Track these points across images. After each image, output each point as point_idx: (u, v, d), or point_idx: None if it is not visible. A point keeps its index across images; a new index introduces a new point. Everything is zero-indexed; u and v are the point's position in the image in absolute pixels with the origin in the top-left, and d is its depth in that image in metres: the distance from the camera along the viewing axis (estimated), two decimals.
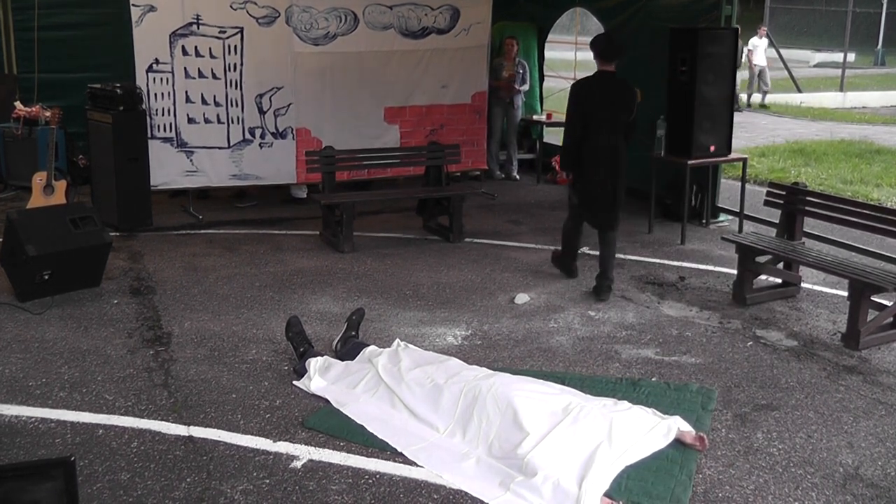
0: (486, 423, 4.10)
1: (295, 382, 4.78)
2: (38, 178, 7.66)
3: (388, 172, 9.14)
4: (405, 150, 8.94)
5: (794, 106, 19.23)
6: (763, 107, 19.07)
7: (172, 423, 4.34)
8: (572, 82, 7.28)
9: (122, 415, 4.42)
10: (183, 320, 5.77)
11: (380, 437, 4.17)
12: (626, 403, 4.34)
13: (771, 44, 19.70)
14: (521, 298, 6.27)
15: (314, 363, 4.82)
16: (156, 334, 5.54)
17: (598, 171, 6.34)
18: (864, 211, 6.05)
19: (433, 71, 9.31)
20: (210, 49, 8.30)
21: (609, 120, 6.32)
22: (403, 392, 4.48)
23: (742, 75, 17.81)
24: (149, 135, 8.09)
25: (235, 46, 8.39)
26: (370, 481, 3.83)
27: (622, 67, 10.07)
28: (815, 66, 26.23)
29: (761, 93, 19.44)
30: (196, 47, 8.25)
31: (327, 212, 7.70)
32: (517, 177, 10.69)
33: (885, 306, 5.61)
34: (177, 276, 6.72)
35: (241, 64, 8.44)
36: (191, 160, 8.45)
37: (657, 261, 7.32)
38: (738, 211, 8.36)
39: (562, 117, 11.53)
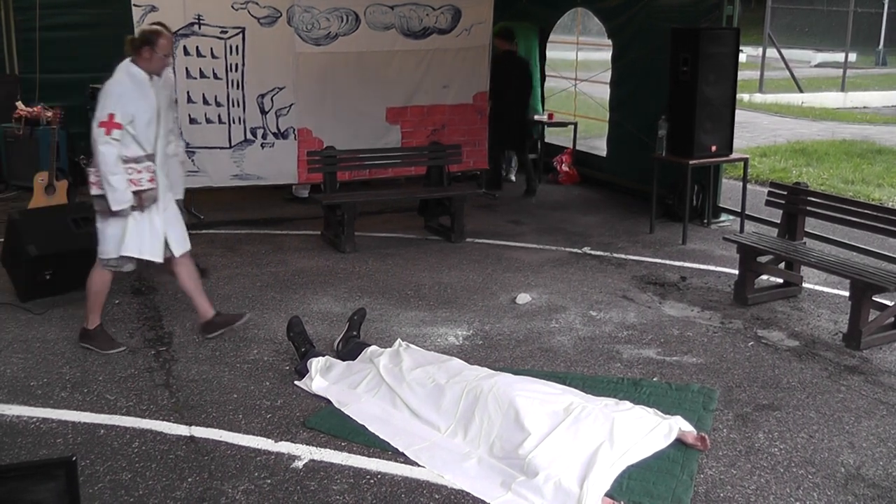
0: (487, 423, 4.10)
1: (296, 382, 4.78)
2: (40, 178, 7.67)
3: (390, 172, 9.14)
4: (407, 151, 8.94)
5: (796, 106, 19.20)
6: None
7: (174, 423, 4.35)
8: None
9: (123, 415, 4.42)
10: (184, 320, 5.78)
11: (381, 437, 4.17)
12: (627, 403, 4.34)
13: (772, 44, 19.62)
14: (523, 298, 6.27)
15: (316, 363, 4.82)
16: (157, 334, 5.55)
17: (504, 115, 9.56)
18: (866, 211, 6.04)
19: (434, 71, 9.30)
20: (211, 49, 8.30)
21: (510, 84, 9.55)
22: (405, 392, 4.48)
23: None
24: None
25: (237, 47, 8.38)
26: (371, 481, 3.84)
27: (626, 67, 10.07)
28: (817, 66, 26.20)
29: None
30: (197, 47, 8.25)
31: (329, 212, 7.70)
32: (513, 178, 10.67)
33: (887, 306, 5.61)
34: None
35: (243, 64, 8.44)
36: (192, 160, 8.44)
37: (658, 261, 7.32)
38: (739, 211, 8.35)
39: (563, 117, 11.64)
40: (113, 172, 4.87)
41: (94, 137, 4.87)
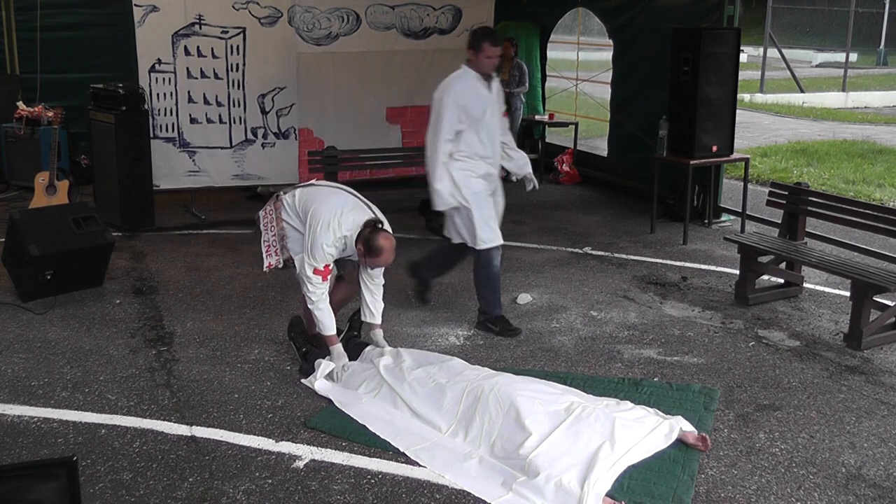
0: (488, 423, 4.10)
1: (303, 380, 4.78)
2: (41, 178, 7.67)
3: (390, 172, 9.14)
4: (407, 151, 8.93)
5: (797, 106, 19.21)
6: None
7: (175, 422, 4.35)
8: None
9: (124, 415, 4.43)
10: (185, 320, 5.78)
11: (382, 437, 4.17)
12: (628, 404, 4.34)
13: (773, 44, 19.61)
14: (524, 298, 6.27)
15: (324, 363, 4.82)
16: (158, 334, 5.55)
17: None
18: (867, 211, 6.04)
19: (435, 71, 9.28)
20: (212, 49, 8.31)
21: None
22: (406, 392, 4.48)
23: None
24: (151, 135, 8.10)
25: (238, 46, 8.40)
26: (372, 481, 3.84)
27: (627, 67, 10.07)
28: (818, 66, 26.23)
29: None
30: (198, 47, 8.26)
31: None
32: (514, 178, 10.65)
33: (888, 306, 5.61)
34: (179, 276, 6.73)
35: (244, 64, 8.45)
36: (193, 160, 8.46)
37: (659, 261, 7.32)
38: (740, 211, 8.36)
39: (564, 117, 11.64)
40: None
41: (307, 275, 4.89)
